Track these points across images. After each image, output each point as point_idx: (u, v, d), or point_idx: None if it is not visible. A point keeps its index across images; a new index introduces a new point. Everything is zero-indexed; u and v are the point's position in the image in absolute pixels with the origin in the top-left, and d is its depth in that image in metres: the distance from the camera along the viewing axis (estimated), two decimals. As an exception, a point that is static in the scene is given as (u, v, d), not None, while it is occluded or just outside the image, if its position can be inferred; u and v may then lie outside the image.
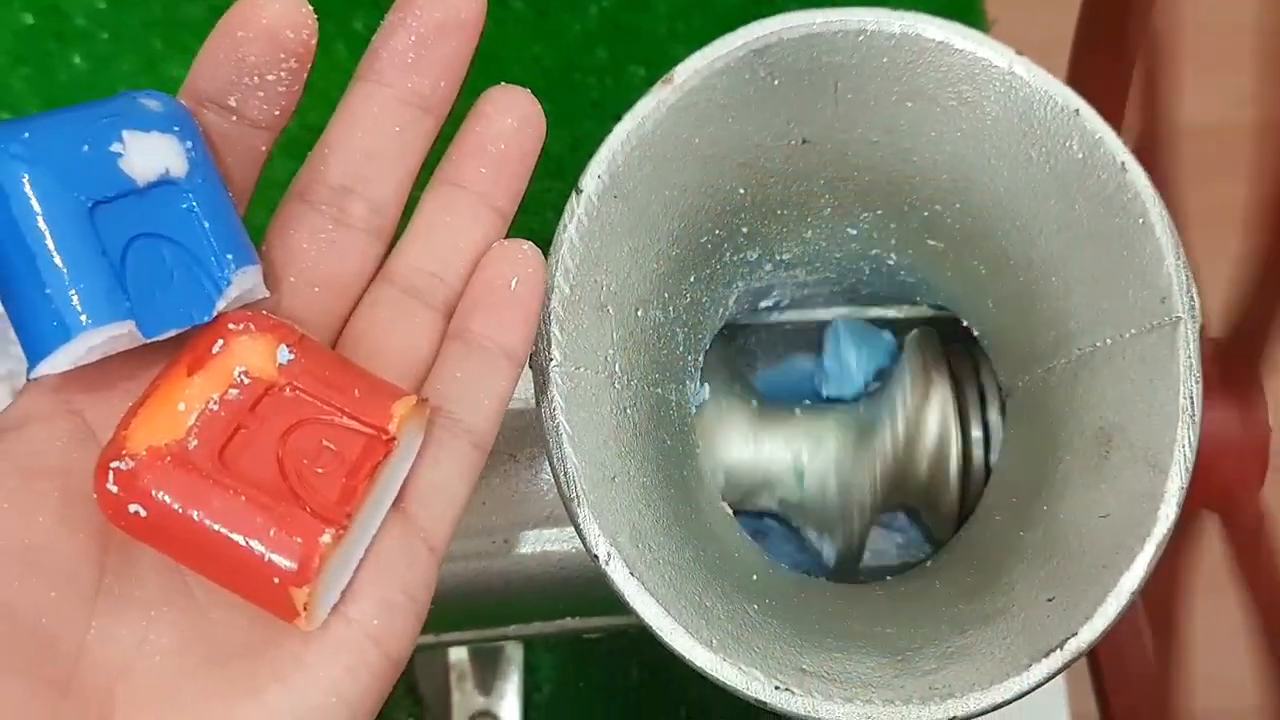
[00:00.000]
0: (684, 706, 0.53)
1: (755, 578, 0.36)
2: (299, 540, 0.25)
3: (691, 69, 0.36)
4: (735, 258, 0.40)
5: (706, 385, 0.40)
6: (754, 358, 0.44)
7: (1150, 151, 0.52)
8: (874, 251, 0.41)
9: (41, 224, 0.25)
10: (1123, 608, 0.32)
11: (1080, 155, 0.36)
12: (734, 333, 0.43)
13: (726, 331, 0.42)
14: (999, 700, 0.32)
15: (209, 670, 0.26)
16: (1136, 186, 0.35)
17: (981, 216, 0.38)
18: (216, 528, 0.25)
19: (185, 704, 0.25)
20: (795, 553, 0.44)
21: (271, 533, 0.25)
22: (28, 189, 0.25)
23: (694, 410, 0.40)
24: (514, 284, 0.31)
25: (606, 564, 0.33)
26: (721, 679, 0.32)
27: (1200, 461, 0.34)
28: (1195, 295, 0.34)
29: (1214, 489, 0.48)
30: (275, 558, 0.25)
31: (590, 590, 0.40)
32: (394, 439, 0.27)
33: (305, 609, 0.26)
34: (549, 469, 0.34)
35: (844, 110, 0.37)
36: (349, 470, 0.27)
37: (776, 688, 0.32)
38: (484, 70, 0.63)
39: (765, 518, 0.44)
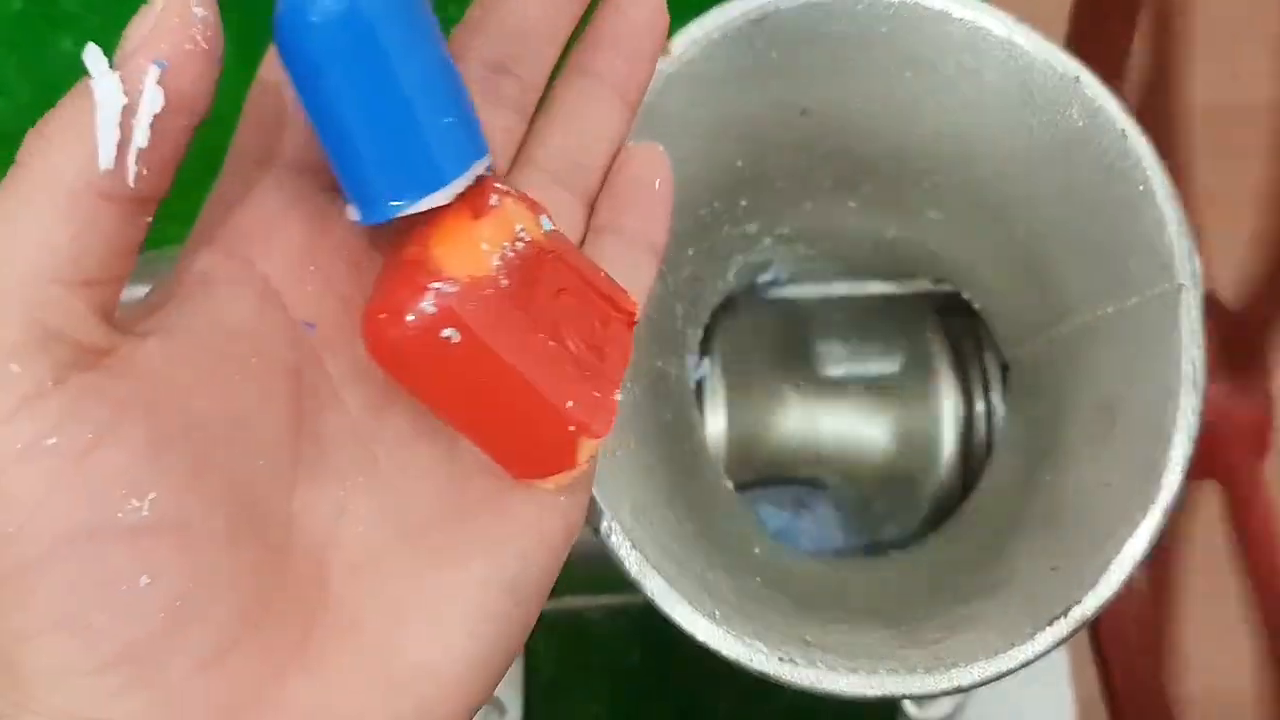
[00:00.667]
0: (685, 688, 0.53)
1: (757, 551, 0.36)
2: (599, 394, 0.25)
3: (689, 39, 0.36)
4: (734, 231, 0.39)
5: (706, 359, 0.40)
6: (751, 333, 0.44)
7: (1158, 128, 0.51)
8: (874, 224, 0.41)
9: (440, 52, 0.25)
10: (1126, 575, 0.32)
11: (1081, 123, 0.35)
12: (734, 307, 0.43)
13: (726, 305, 0.41)
14: (1003, 669, 0.32)
15: (410, 541, 0.25)
16: (1138, 153, 0.35)
17: (982, 186, 0.38)
18: (522, 368, 0.24)
19: (395, 573, 0.25)
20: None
21: (576, 384, 0.25)
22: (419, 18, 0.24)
23: (694, 384, 0.39)
24: (658, 184, 0.31)
25: (608, 538, 0.33)
26: (724, 651, 0.32)
27: (1203, 431, 0.34)
28: (1197, 262, 0.34)
29: (1216, 459, 0.48)
30: (575, 407, 0.25)
31: (591, 568, 0.40)
32: (635, 322, 0.27)
33: (588, 462, 0.25)
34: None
35: (843, 80, 0.37)
36: (610, 342, 0.26)
37: (780, 659, 0.32)
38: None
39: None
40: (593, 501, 0.33)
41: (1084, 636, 0.57)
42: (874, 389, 0.42)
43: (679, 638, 0.39)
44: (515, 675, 0.52)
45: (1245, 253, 0.48)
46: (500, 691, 0.51)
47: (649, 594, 0.32)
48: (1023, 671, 0.54)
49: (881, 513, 0.42)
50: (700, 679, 0.53)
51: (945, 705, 0.52)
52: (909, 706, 0.52)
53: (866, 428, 0.42)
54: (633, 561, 0.33)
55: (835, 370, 0.43)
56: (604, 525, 0.33)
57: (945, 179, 0.38)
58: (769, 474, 0.42)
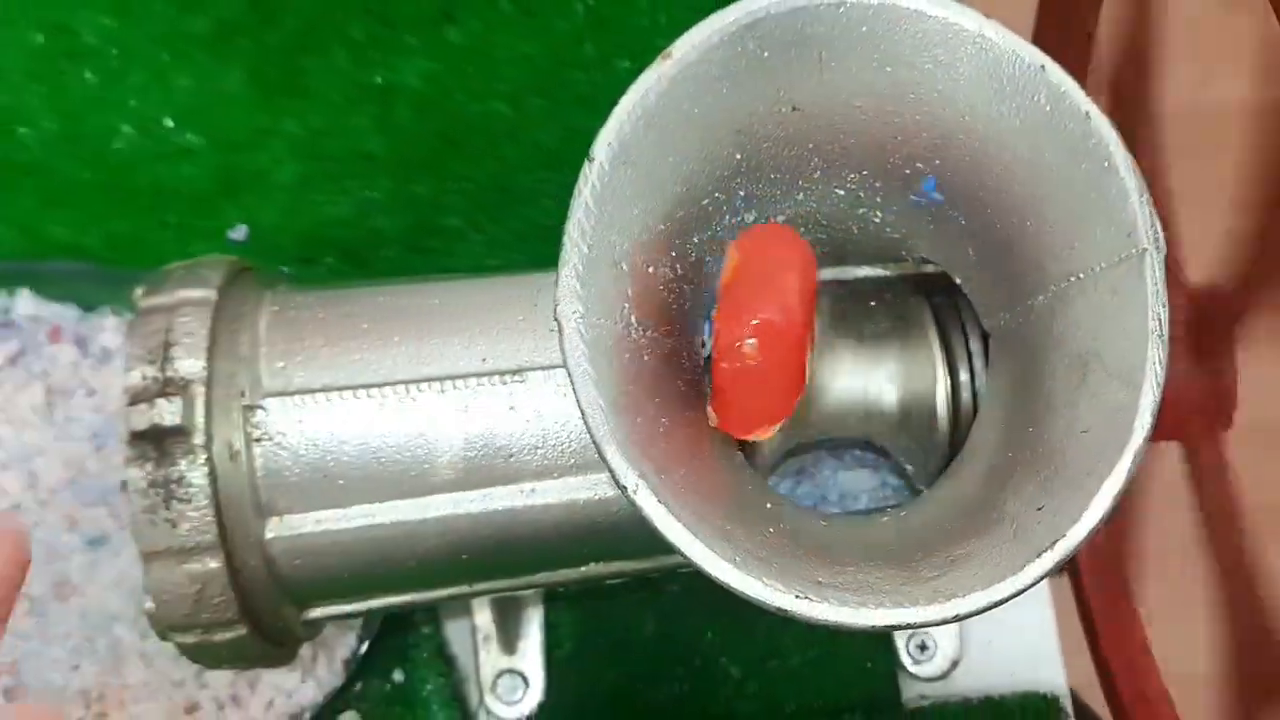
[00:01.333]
0: (697, 656, 0.56)
1: (769, 506, 0.39)
2: None
3: (688, 44, 0.39)
4: (734, 220, 0.43)
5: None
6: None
7: (1128, 127, 0.55)
8: (861, 210, 0.44)
9: None
10: (1106, 510, 0.36)
11: (1048, 107, 0.39)
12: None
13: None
14: (998, 599, 0.35)
15: None
16: (1100, 132, 0.38)
17: (959, 171, 0.41)
18: None
19: None
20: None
21: None
22: None
23: (703, 360, 0.43)
24: None
25: (635, 494, 0.36)
26: (746, 591, 0.35)
27: (1171, 398, 0.37)
28: (1159, 228, 0.38)
29: (1181, 425, 0.51)
30: None
31: (616, 533, 0.43)
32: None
33: None
34: (576, 416, 0.37)
35: (829, 78, 0.40)
36: None
37: (796, 597, 0.35)
38: (478, 68, 0.65)
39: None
40: (620, 462, 0.36)
41: (1072, 612, 0.61)
42: (866, 358, 0.45)
43: (690, 607, 0.42)
44: (537, 650, 0.55)
45: (1215, 247, 0.51)
46: (524, 666, 0.55)
47: (675, 543, 0.35)
48: (1014, 628, 0.57)
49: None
50: (711, 646, 0.56)
51: (940, 663, 0.55)
52: (908, 663, 0.56)
53: (871, 384, 0.45)
54: (660, 515, 0.36)
55: (825, 349, 0.47)
56: (631, 483, 0.36)
57: (925, 165, 0.42)
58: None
